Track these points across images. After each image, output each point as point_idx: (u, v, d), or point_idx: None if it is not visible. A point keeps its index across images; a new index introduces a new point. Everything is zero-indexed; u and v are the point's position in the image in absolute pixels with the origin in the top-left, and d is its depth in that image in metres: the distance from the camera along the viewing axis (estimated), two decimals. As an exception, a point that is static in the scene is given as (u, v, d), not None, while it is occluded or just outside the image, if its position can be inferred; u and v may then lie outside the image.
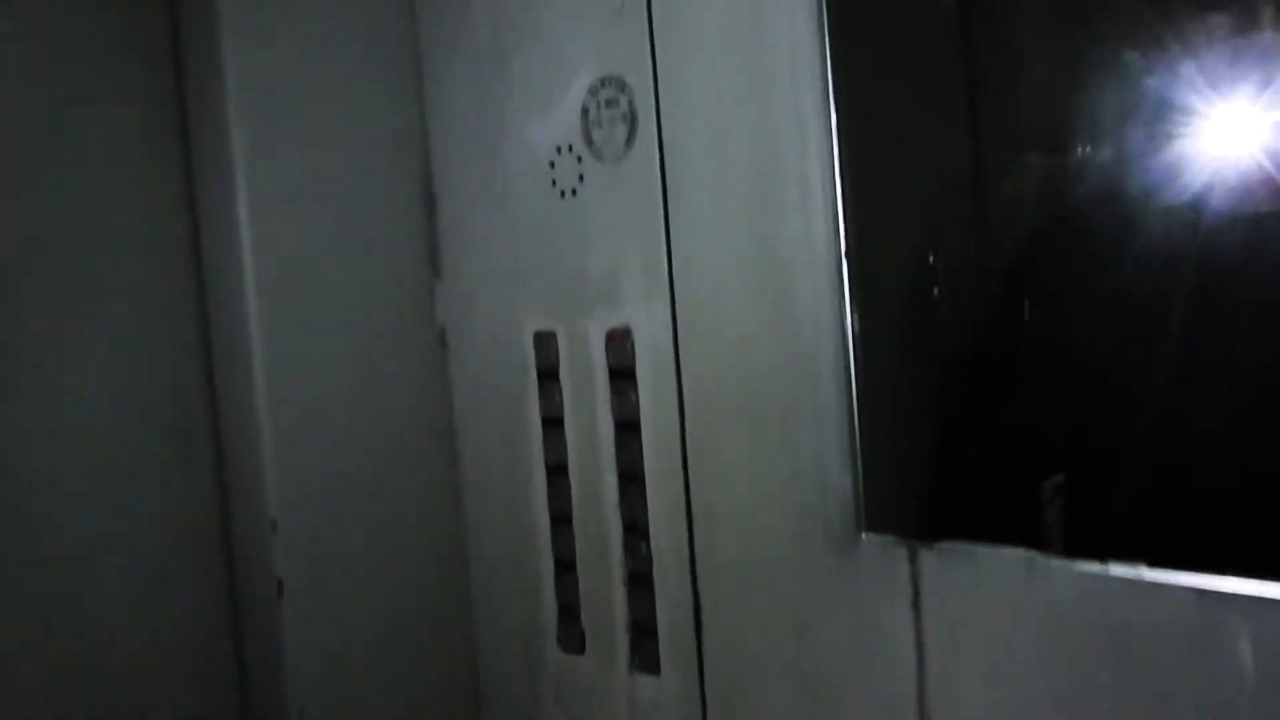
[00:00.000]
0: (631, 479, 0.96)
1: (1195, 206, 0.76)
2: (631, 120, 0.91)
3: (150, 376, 1.05)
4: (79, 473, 1.00)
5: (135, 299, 1.04)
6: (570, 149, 0.97)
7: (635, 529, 0.97)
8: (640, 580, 0.97)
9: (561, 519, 1.03)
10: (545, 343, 1.02)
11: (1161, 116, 0.77)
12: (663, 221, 0.91)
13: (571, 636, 1.04)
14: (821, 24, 0.80)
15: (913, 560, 0.79)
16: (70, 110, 1.00)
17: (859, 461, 0.81)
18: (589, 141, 0.95)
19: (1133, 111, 0.79)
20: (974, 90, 0.86)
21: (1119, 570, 0.70)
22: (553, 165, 0.98)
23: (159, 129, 1.05)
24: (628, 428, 0.96)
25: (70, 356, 1.00)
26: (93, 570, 1.01)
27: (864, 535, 0.81)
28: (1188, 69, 0.76)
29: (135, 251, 1.04)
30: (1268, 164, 0.74)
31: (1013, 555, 0.74)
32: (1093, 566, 0.71)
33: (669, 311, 0.91)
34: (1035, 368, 0.82)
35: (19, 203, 0.97)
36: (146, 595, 1.04)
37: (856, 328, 0.80)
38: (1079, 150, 0.80)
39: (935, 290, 0.82)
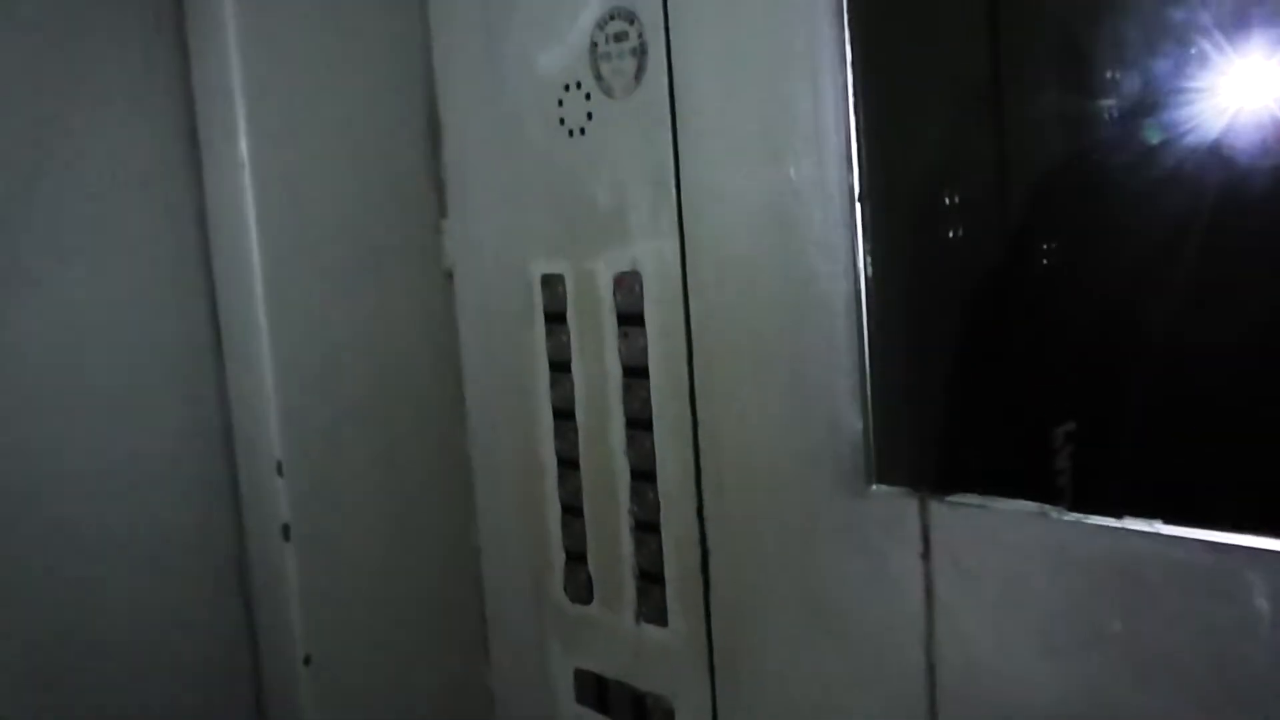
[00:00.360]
0: (639, 425, 0.94)
1: (1223, 147, 0.72)
2: (641, 54, 0.88)
3: (152, 318, 1.04)
4: (82, 417, 0.99)
5: (137, 238, 1.03)
6: (579, 85, 0.94)
7: (643, 475, 0.95)
8: (648, 527, 0.95)
9: (568, 463, 1.02)
10: (553, 285, 1.00)
11: (1190, 57, 0.73)
12: (672, 160, 0.88)
13: (579, 584, 1.03)
14: (838, -47, 0.76)
15: (923, 512, 0.77)
16: (67, 36, 0.98)
17: (870, 411, 0.79)
18: (598, 77, 0.92)
19: (1160, 48, 0.75)
20: (996, 24, 0.83)
21: (1133, 524, 0.68)
22: (561, 103, 0.96)
23: (159, 59, 1.03)
24: (636, 373, 0.94)
25: (73, 299, 0.99)
26: (96, 514, 1.00)
27: (874, 486, 0.79)
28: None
29: (136, 185, 1.02)
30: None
31: (1026, 509, 0.72)
32: (1106, 520, 0.69)
33: (678, 253, 0.89)
34: (1051, 317, 0.79)
35: (19, 124, 0.95)
36: (153, 539, 1.04)
37: (870, 272, 0.78)
38: (1103, 90, 0.77)
39: (952, 233, 0.80)
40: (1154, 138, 0.74)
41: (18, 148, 0.95)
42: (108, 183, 1.00)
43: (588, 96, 0.93)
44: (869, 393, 0.79)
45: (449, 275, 1.11)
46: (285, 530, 1.02)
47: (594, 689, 1.04)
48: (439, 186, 1.10)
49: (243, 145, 0.98)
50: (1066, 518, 0.71)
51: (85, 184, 0.99)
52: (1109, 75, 0.78)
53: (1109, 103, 0.76)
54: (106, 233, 1.01)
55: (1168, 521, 0.67)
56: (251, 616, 1.10)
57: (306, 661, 1.04)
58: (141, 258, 1.03)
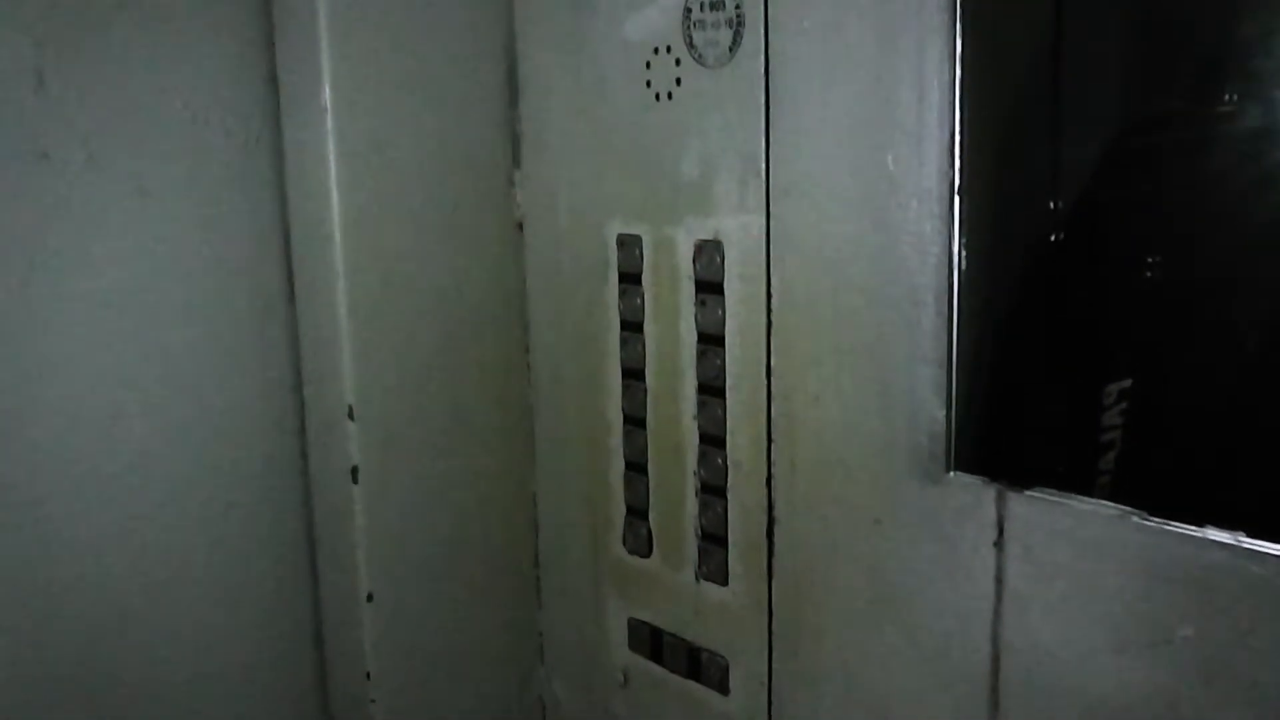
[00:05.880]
0: (711, 391, 0.96)
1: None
2: (737, 25, 0.88)
3: (228, 263, 1.05)
4: (155, 360, 1.01)
5: (216, 181, 1.03)
6: (669, 50, 0.93)
7: (712, 440, 0.97)
8: (713, 491, 0.97)
9: (635, 422, 1.03)
10: (629, 246, 1.00)
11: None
12: (763, 134, 0.88)
13: (638, 537, 1.05)
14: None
15: (1000, 502, 0.78)
16: None
17: (954, 399, 0.80)
18: (689, 44, 0.91)
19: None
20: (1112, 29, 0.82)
21: (1215, 534, 0.69)
22: (648, 65, 0.95)
23: (245, 11, 1.03)
24: (711, 340, 0.95)
25: (149, 241, 1.00)
26: (168, 454, 1.03)
27: (952, 474, 0.81)
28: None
29: (216, 131, 1.03)
30: None
31: (1105, 510, 0.74)
32: (1187, 528, 0.70)
33: (764, 227, 0.89)
34: (1153, 332, 0.80)
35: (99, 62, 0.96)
36: (221, 479, 1.07)
37: (964, 265, 0.78)
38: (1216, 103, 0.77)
39: (1054, 237, 0.80)
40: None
41: (96, 87, 0.95)
42: (186, 124, 1.01)
43: (677, 62, 0.93)
44: (954, 383, 0.80)
45: (519, 226, 1.11)
46: (354, 472, 1.04)
47: (648, 639, 1.07)
48: (514, 137, 1.10)
49: (326, 90, 0.98)
50: (1147, 522, 0.72)
51: (163, 125, 0.99)
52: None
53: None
54: (182, 176, 1.01)
55: (1250, 535, 0.68)
56: (313, 556, 1.13)
57: (369, 599, 1.07)
58: (215, 200, 1.03)
